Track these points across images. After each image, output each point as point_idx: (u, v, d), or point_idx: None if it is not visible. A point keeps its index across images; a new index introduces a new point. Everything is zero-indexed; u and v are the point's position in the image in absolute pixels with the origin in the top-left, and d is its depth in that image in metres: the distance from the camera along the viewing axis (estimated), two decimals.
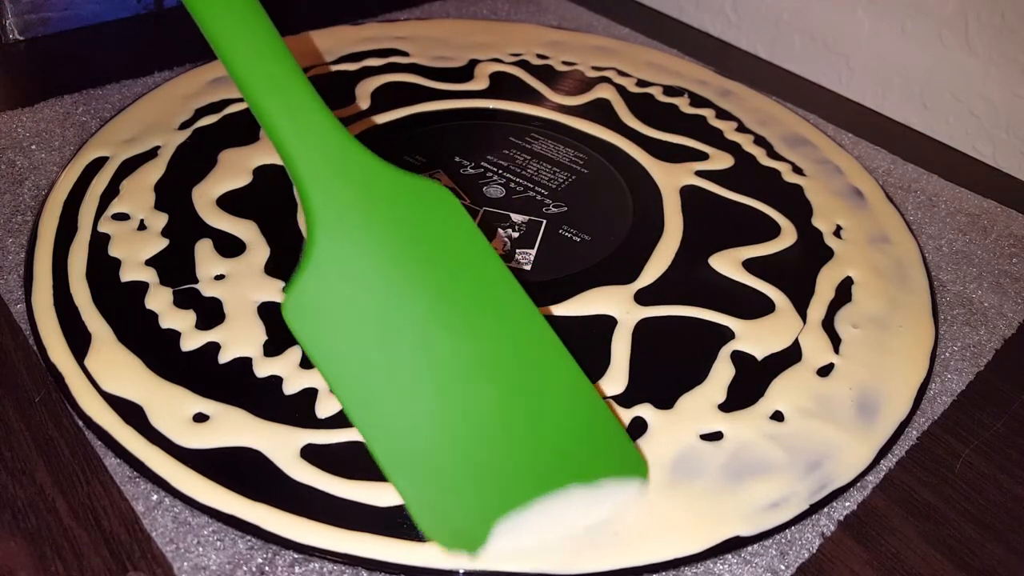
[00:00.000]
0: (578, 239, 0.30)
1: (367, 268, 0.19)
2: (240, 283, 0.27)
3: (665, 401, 0.24)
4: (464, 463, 0.20)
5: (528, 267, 0.29)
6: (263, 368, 0.24)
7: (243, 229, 0.29)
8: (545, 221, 0.31)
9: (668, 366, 0.26)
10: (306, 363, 0.24)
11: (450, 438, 0.20)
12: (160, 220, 0.29)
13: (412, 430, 0.20)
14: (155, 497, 0.21)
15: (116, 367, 0.24)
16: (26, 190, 0.31)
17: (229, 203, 0.30)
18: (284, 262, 0.28)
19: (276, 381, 0.24)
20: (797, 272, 0.30)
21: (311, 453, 0.22)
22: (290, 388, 0.24)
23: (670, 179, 0.34)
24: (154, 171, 0.32)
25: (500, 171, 0.34)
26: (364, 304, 0.19)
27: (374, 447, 0.19)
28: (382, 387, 0.20)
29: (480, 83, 0.39)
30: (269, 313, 0.26)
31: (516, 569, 0.20)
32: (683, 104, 0.39)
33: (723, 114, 0.39)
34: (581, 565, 0.20)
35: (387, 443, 0.19)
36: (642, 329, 0.27)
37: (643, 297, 0.28)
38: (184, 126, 0.34)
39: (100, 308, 0.26)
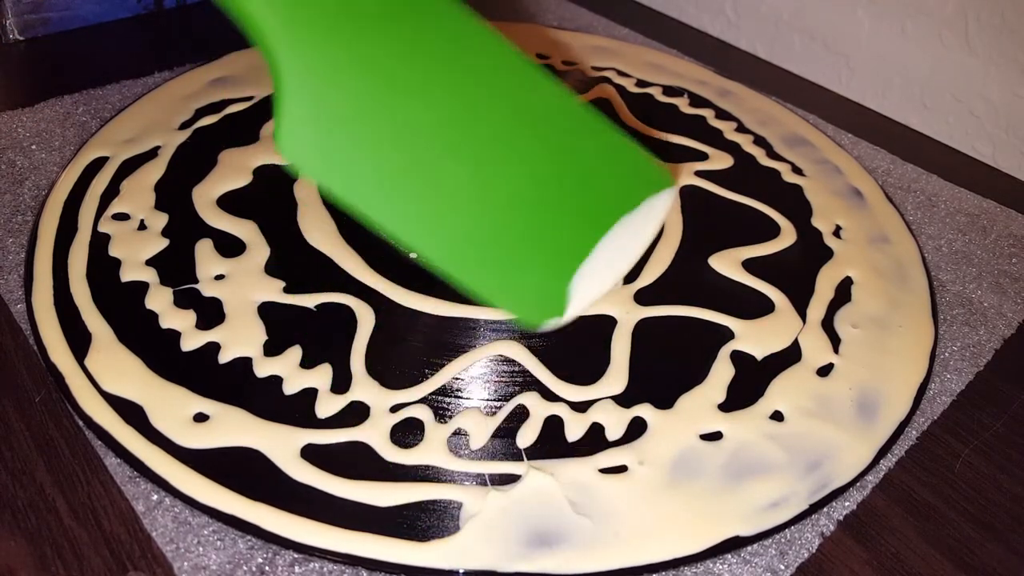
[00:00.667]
0: None
1: (349, 76, 0.18)
2: (240, 283, 0.27)
3: (665, 401, 0.24)
4: (520, 239, 0.20)
5: None
6: (263, 368, 0.24)
7: (243, 229, 0.29)
8: None
9: (668, 366, 0.26)
10: (306, 363, 0.24)
11: (498, 220, 0.19)
12: (160, 220, 0.29)
13: (460, 226, 0.19)
14: (155, 497, 0.21)
15: (116, 367, 0.24)
16: (26, 190, 0.31)
17: (229, 203, 0.30)
18: (284, 262, 0.28)
19: (276, 381, 0.24)
20: (797, 272, 0.30)
21: (311, 453, 0.22)
22: (290, 388, 0.24)
23: None
24: (154, 171, 0.32)
25: None
26: (361, 112, 0.18)
27: (435, 257, 0.19)
28: (414, 194, 0.19)
29: None
30: (269, 313, 0.26)
31: (517, 569, 0.20)
32: (683, 104, 0.39)
33: (723, 114, 0.39)
34: (581, 565, 0.20)
35: (444, 248, 0.19)
36: (642, 329, 0.27)
37: (643, 297, 0.28)
38: (184, 126, 0.34)
39: (100, 308, 0.26)
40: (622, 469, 0.22)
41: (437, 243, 0.19)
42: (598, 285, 0.20)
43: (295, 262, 0.28)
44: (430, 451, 0.22)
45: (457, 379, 0.24)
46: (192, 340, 0.25)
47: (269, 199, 0.31)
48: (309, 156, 0.18)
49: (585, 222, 0.20)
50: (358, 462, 0.22)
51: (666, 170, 0.21)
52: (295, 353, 0.25)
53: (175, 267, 0.27)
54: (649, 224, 0.20)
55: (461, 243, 0.19)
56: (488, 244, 0.19)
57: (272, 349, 0.25)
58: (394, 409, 0.23)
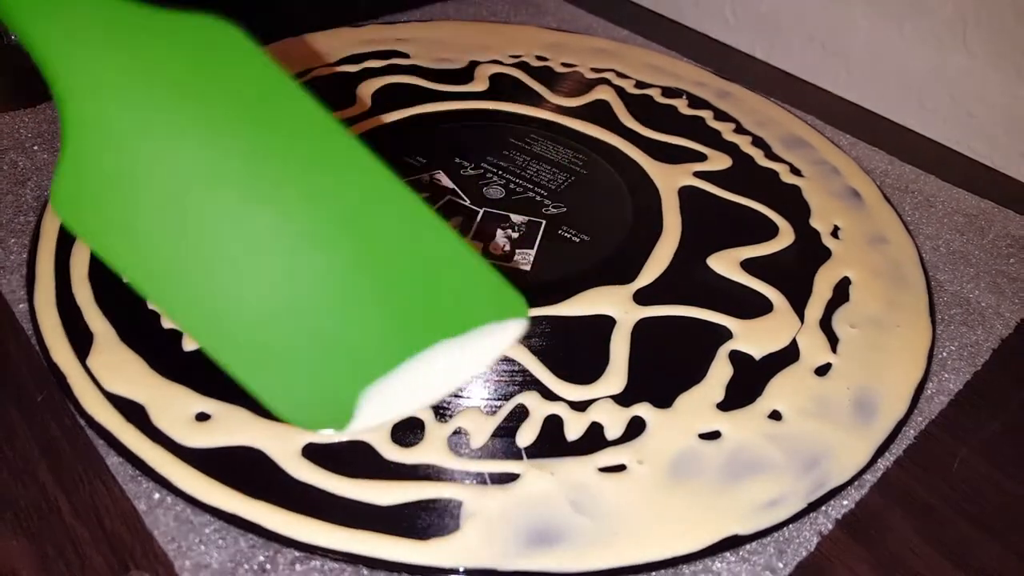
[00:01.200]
0: (577, 239, 0.30)
1: (144, 139, 0.16)
2: None
3: (664, 400, 0.24)
4: (313, 339, 0.17)
5: (528, 267, 0.29)
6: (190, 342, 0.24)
7: None
8: (544, 222, 0.31)
9: (667, 366, 0.26)
10: None
11: (289, 316, 0.17)
12: None
13: (244, 314, 0.17)
14: (157, 496, 0.21)
15: (118, 366, 0.24)
16: (28, 190, 0.31)
17: None
18: None
19: None
20: (795, 272, 0.30)
21: (312, 452, 0.22)
22: None
23: (669, 180, 0.34)
24: None
25: (500, 172, 0.34)
26: (153, 180, 0.16)
27: (205, 343, 0.17)
28: (200, 275, 0.17)
29: (480, 85, 0.39)
30: None
31: (517, 567, 0.20)
32: (682, 105, 0.39)
33: (721, 115, 0.39)
34: (581, 563, 0.20)
35: (219, 336, 0.17)
36: (641, 329, 0.27)
37: (642, 297, 0.28)
38: None
39: (102, 308, 0.26)
40: (621, 468, 0.22)
41: (211, 328, 0.17)
42: (408, 402, 0.17)
43: None
44: (430, 450, 0.22)
45: None
46: (194, 340, 0.25)
47: None
48: (84, 219, 0.16)
49: (393, 338, 0.17)
50: (359, 461, 0.22)
51: (521, 299, 0.18)
52: None
53: None
54: (489, 350, 0.18)
55: (241, 332, 0.17)
56: (269, 342, 0.17)
57: None
58: None
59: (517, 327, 0.18)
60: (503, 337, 0.18)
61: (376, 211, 0.17)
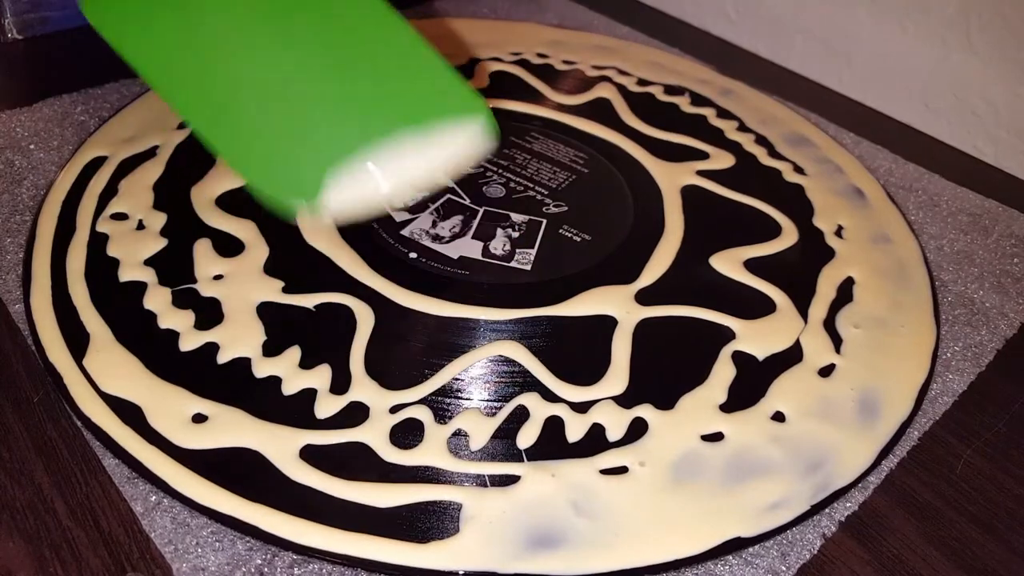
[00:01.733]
0: (578, 239, 0.30)
1: None
2: (239, 283, 0.27)
3: (666, 401, 0.24)
4: (289, 122, 0.20)
5: (528, 267, 0.29)
6: (262, 368, 0.24)
7: (242, 229, 0.29)
8: (545, 221, 0.31)
9: (669, 367, 0.26)
10: (305, 363, 0.24)
11: (270, 99, 0.19)
12: (159, 220, 0.29)
13: (233, 98, 0.19)
14: (154, 498, 0.21)
15: (115, 367, 0.24)
16: (24, 190, 0.31)
17: (228, 203, 0.30)
18: (283, 262, 0.28)
19: (275, 381, 0.24)
20: (798, 272, 0.30)
21: (310, 454, 0.22)
22: (289, 388, 0.24)
23: (671, 178, 0.34)
24: (153, 171, 0.32)
25: (500, 170, 0.34)
26: None
27: (196, 122, 0.19)
28: (196, 62, 0.19)
29: (480, 82, 0.39)
30: (268, 313, 0.26)
31: (517, 570, 0.20)
32: (684, 103, 0.39)
33: (724, 113, 0.39)
34: (582, 566, 0.20)
35: (212, 116, 0.19)
36: (643, 329, 0.26)
37: (644, 297, 0.28)
38: (183, 126, 0.34)
39: (99, 308, 0.26)
40: (623, 470, 0.22)
41: (204, 109, 0.19)
42: (372, 185, 0.19)
43: (294, 262, 0.28)
44: (430, 452, 0.22)
45: (457, 380, 0.24)
46: (191, 340, 0.25)
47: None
48: (108, 17, 0.19)
49: (361, 123, 0.20)
50: (357, 463, 0.22)
51: (480, 100, 0.20)
52: (294, 353, 0.25)
53: (174, 267, 0.27)
54: (453, 153, 0.20)
55: (228, 114, 0.19)
56: (254, 121, 0.19)
57: (271, 349, 0.25)
58: (394, 410, 0.23)
59: (478, 130, 0.19)
60: (460, 133, 0.20)
61: (348, 14, 0.20)
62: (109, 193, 0.30)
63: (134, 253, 0.28)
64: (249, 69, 0.19)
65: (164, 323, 0.25)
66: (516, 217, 0.31)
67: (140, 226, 0.29)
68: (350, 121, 0.20)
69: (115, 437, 0.22)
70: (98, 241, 0.28)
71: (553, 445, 0.23)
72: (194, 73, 0.19)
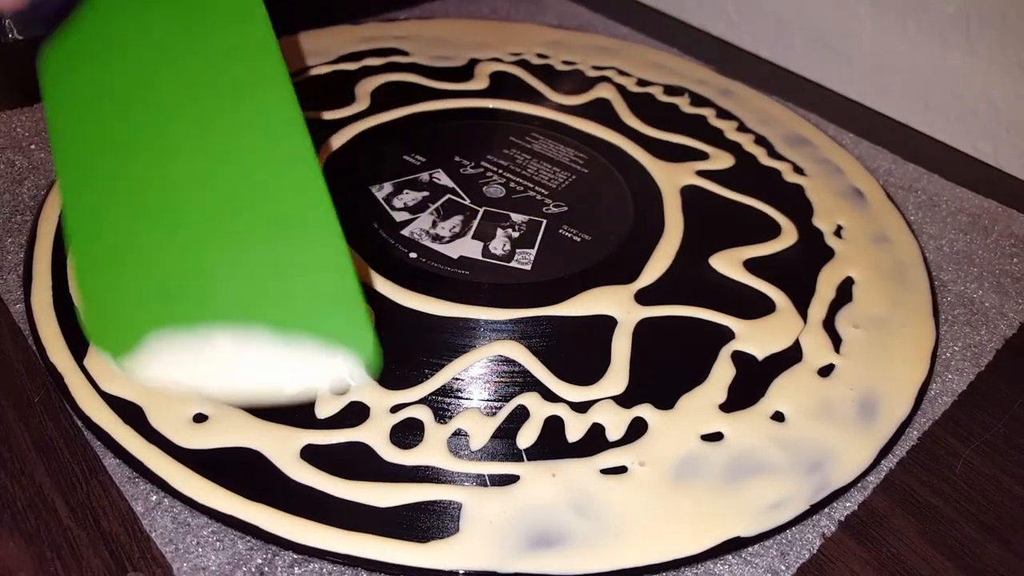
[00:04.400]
0: (578, 239, 0.30)
1: (132, 34, 0.17)
2: None
3: (666, 401, 0.24)
4: (151, 260, 0.17)
5: (528, 267, 0.29)
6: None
7: None
8: (545, 221, 0.31)
9: (669, 366, 0.26)
10: None
11: (148, 228, 0.17)
12: None
13: (114, 209, 0.17)
14: (154, 497, 0.21)
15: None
16: (25, 190, 0.31)
17: None
18: None
19: None
20: (798, 272, 0.30)
21: (310, 453, 0.22)
22: None
23: (671, 179, 0.34)
24: None
25: (500, 171, 0.34)
26: (116, 70, 0.17)
27: (69, 217, 0.17)
28: (102, 157, 0.17)
29: (480, 83, 0.39)
30: None
31: (517, 569, 0.20)
32: (683, 103, 0.39)
33: (724, 113, 0.39)
34: (581, 566, 0.20)
35: (85, 219, 0.17)
36: (642, 329, 0.26)
37: (643, 297, 0.28)
38: None
39: None
40: (623, 470, 0.22)
41: (82, 213, 0.17)
42: (201, 380, 0.16)
43: None
44: (430, 452, 0.22)
45: (457, 379, 0.24)
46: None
47: None
48: (56, 76, 0.18)
49: (217, 300, 0.16)
50: (358, 463, 0.22)
51: (373, 343, 0.16)
52: None
53: None
54: (315, 376, 0.16)
55: (102, 229, 0.17)
56: (120, 248, 0.17)
57: None
58: (394, 410, 0.23)
59: (351, 365, 0.16)
60: (329, 368, 0.16)
61: (282, 194, 0.17)
62: None
63: None
64: (145, 178, 0.17)
65: None
66: (516, 217, 0.31)
67: None
68: (204, 285, 0.16)
69: (116, 437, 0.22)
70: None
71: (553, 445, 0.23)
72: (97, 159, 0.17)
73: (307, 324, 0.16)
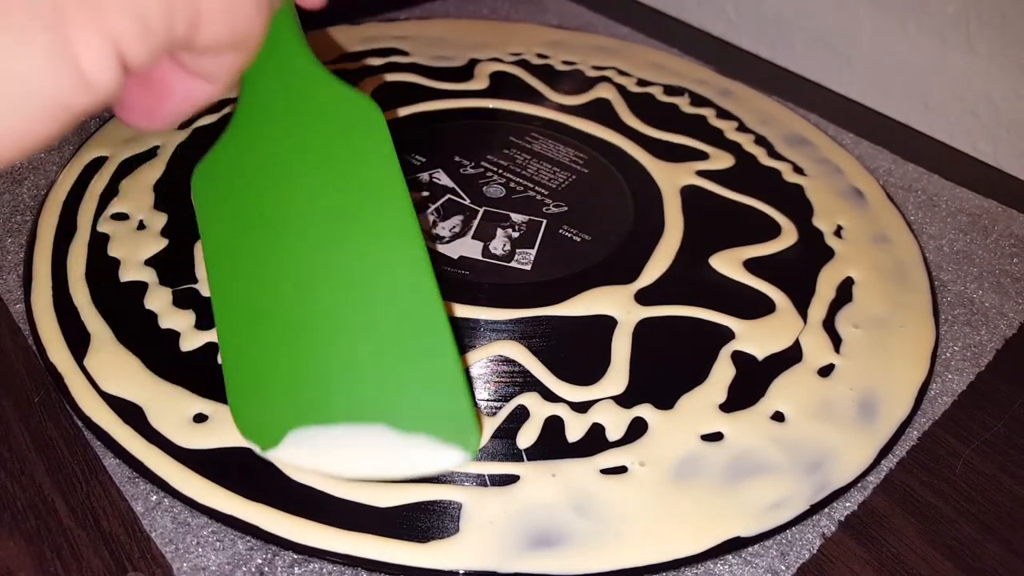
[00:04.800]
0: (578, 239, 0.30)
1: (274, 158, 0.19)
2: None
3: (665, 401, 0.24)
4: (290, 364, 0.20)
5: (528, 267, 0.29)
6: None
7: None
8: (545, 221, 0.31)
9: (668, 366, 0.26)
10: None
11: (287, 336, 0.20)
12: (159, 220, 0.29)
13: (258, 316, 0.20)
14: (154, 497, 0.21)
15: (115, 367, 0.24)
16: (25, 190, 0.31)
17: None
18: None
19: None
20: (798, 272, 0.30)
21: None
22: None
23: (671, 179, 0.34)
24: (153, 171, 0.32)
25: (500, 171, 0.34)
26: (260, 190, 0.20)
27: (219, 322, 0.20)
28: (247, 271, 0.20)
29: (480, 83, 0.39)
30: None
31: (517, 569, 0.20)
32: (683, 104, 0.39)
33: (724, 114, 0.39)
34: (581, 566, 0.20)
35: (232, 323, 0.20)
36: (642, 329, 0.26)
37: (643, 297, 0.28)
38: (183, 125, 0.34)
39: (99, 308, 0.26)
40: (623, 470, 0.22)
41: (230, 316, 0.20)
42: (330, 463, 0.20)
43: None
44: None
45: None
46: (191, 340, 0.25)
47: None
48: (206, 192, 0.20)
49: (350, 400, 0.20)
50: None
51: (477, 436, 0.20)
52: None
53: (174, 267, 0.27)
54: (423, 462, 0.20)
55: (247, 330, 0.20)
56: (262, 348, 0.20)
57: None
58: None
59: (457, 456, 0.19)
60: (440, 457, 0.20)
61: (407, 307, 0.20)
62: (110, 193, 0.30)
63: (135, 253, 0.28)
64: (286, 292, 0.20)
65: (165, 323, 0.25)
66: (516, 217, 0.31)
67: (141, 226, 0.29)
68: (347, 395, 0.20)
69: (116, 437, 0.22)
70: (99, 241, 0.28)
71: (553, 445, 0.23)
72: (242, 270, 0.20)
73: (424, 425, 0.20)
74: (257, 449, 0.19)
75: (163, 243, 0.28)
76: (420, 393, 0.20)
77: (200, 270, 0.27)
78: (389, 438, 0.19)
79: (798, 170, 0.35)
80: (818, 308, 0.28)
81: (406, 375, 0.20)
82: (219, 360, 0.20)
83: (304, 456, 0.19)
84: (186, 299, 0.26)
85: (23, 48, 0.11)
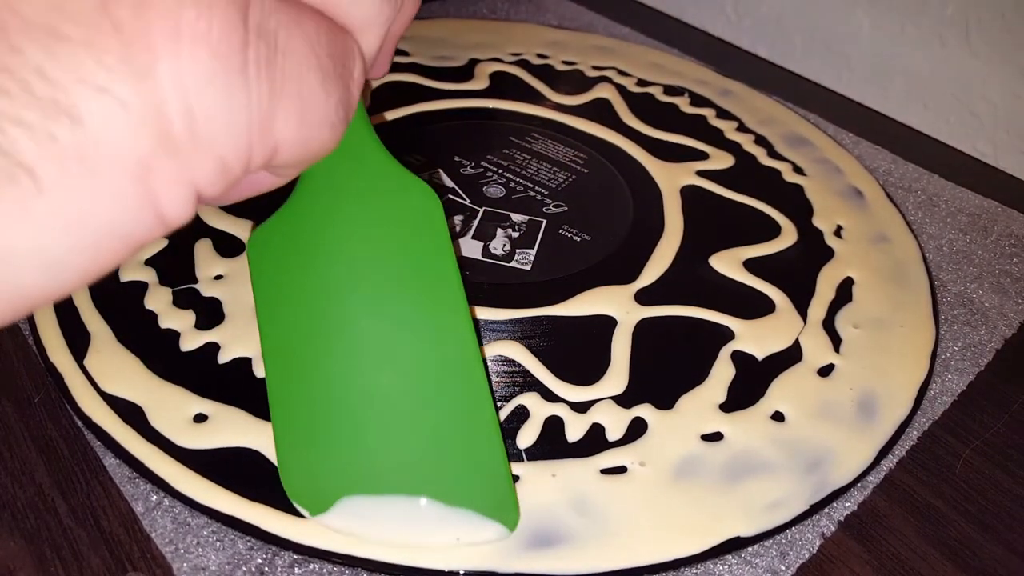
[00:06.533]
0: (578, 239, 0.30)
1: (332, 234, 0.20)
2: (239, 283, 0.27)
3: (665, 402, 0.24)
4: (340, 435, 0.20)
5: (528, 267, 0.29)
6: (262, 368, 0.24)
7: (242, 229, 0.29)
8: (545, 221, 0.31)
9: (668, 366, 0.26)
10: None
11: (338, 408, 0.20)
12: None
13: (309, 387, 0.20)
14: (155, 498, 0.21)
15: (115, 367, 0.24)
16: None
17: None
18: None
19: None
20: (797, 272, 0.30)
21: None
22: None
23: (670, 179, 0.34)
24: None
25: (500, 171, 0.34)
26: (316, 263, 0.20)
27: (271, 386, 0.20)
28: (299, 342, 0.20)
29: (480, 83, 0.39)
30: None
31: (517, 569, 0.20)
32: (683, 104, 0.39)
33: (723, 113, 0.39)
34: (581, 565, 0.20)
35: (283, 391, 0.20)
36: (642, 329, 0.27)
37: (643, 297, 0.28)
38: None
39: (99, 308, 0.26)
40: (622, 470, 0.22)
41: (282, 382, 0.21)
42: (373, 529, 0.20)
43: None
44: None
45: None
46: (191, 340, 0.25)
47: (269, 199, 0.31)
48: (262, 259, 0.20)
49: (397, 472, 0.20)
50: None
51: (516, 514, 0.21)
52: None
53: (174, 267, 0.27)
54: (463, 532, 0.20)
55: (297, 396, 0.21)
56: (313, 416, 0.21)
57: None
58: None
59: (497, 531, 0.20)
60: (481, 530, 0.20)
61: (454, 386, 0.21)
62: None
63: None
64: (336, 363, 0.20)
65: (165, 323, 0.25)
66: (516, 217, 0.31)
67: None
68: (394, 467, 0.20)
69: (116, 437, 0.22)
70: None
71: (553, 445, 0.23)
72: (294, 339, 0.20)
73: (468, 500, 0.20)
74: (307, 514, 0.20)
75: (163, 243, 0.28)
76: (464, 471, 0.21)
77: (201, 270, 0.27)
78: (434, 511, 0.20)
79: (798, 170, 0.35)
80: (818, 308, 0.28)
81: (452, 454, 0.21)
82: (274, 425, 0.21)
83: (352, 523, 0.20)
84: (186, 299, 0.26)
85: (110, 200, 0.11)
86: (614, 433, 0.23)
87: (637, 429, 0.23)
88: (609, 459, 0.23)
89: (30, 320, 0.25)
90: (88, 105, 0.11)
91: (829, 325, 0.28)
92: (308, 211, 0.20)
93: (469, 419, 0.20)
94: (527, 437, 0.23)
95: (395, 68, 0.40)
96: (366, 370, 0.20)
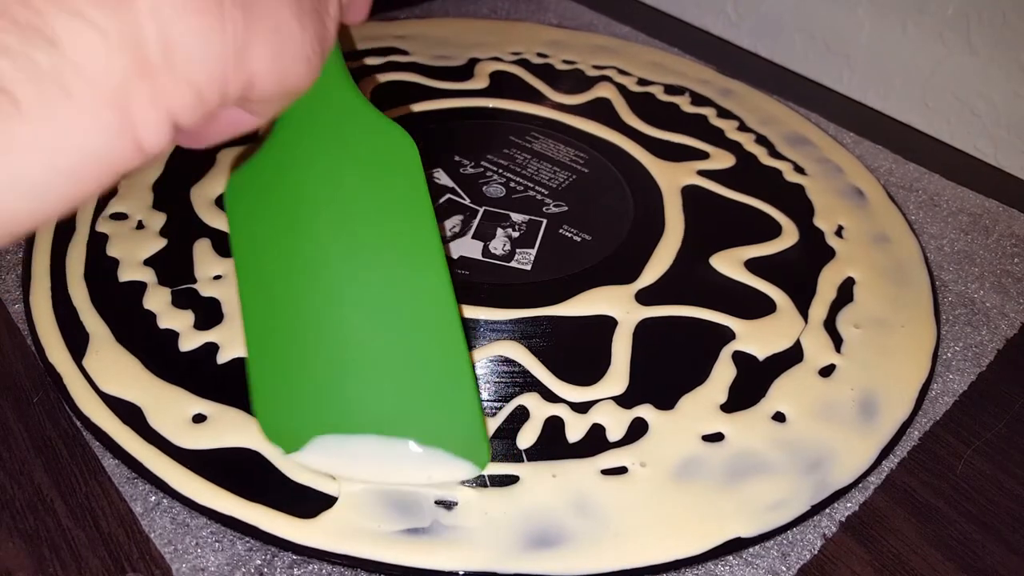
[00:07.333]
0: (578, 239, 0.30)
1: (309, 177, 0.20)
2: None
3: (666, 402, 0.24)
4: (315, 375, 0.21)
5: (528, 267, 0.29)
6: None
7: None
8: (545, 220, 0.31)
9: (669, 366, 0.25)
10: None
11: (313, 349, 0.21)
12: (158, 220, 0.29)
13: (285, 328, 0.21)
14: (153, 498, 0.21)
15: (114, 367, 0.24)
16: None
17: None
18: None
19: None
20: (799, 272, 0.30)
21: None
22: None
23: (671, 178, 0.34)
24: (152, 170, 0.32)
25: (500, 170, 0.34)
26: (293, 206, 0.20)
27: (248, 328, 0.21)
28: (277, 282, 0.21)
29: (480, 82, 0.39)
30: None
31: (517, 570, 0.20)
32: (684, 103, 0.39)
33: (724, 113, 0.39)
34: (582, 566, 0.20)
35: (260, 333, 0.21)
36: (643, 329, 0.26)
37: (644, 297, 0.28)
38: None
39: (98, 308, 0.26)
40: (623, 470, 0.22)
41: (258, 324, 0.21)
42: (342, 464, 0.21)
43: None
44: None
45: None
46: (190, 340, 0.25)
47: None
48: (238, 205, 0.20)
49: (371, 412, 0.21)
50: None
51: (487, 454, 0.21)
52: None
53: (173, 267, 0.27)
54: (435, 472, 0.21)
55: (275, 339, 0.21)
56: (289, 357, 0.21)
57: None
58: None
59: (468, 469, 0.21)
60: (452, 469, 0.21)
61: (427, 328, 0.21)
62: (108, 193, 0.30)
63: (134, 253, 0.28)
64: (312, 304, 0.21)
65: (164, 323, 0.25)
66: (516, 217, 0.31)
67: (140, 226, 0.29)
68: (368, 407, 0.21)
69: (115, 437, 0.22)
70: (98, 241, 0.28)
71: (553, 445, 0.23)
72: (271, 281, 0.21)
73: (440, 439, 0.21)
74: (280, 451, 0.21)
75: (162, 243, 0.28)
76: (437, 411, 0.21)
77: (200, 270, 0.27)
78: (406, 450, 0.21)
79: (799, 170, 0.35)
80: (819, 308, 0.28)
81: (425, 394, 0.21)
82: (245, 367, 0.21)
83: (326, 461, 0.21)
84: (185, 299, 0.26)
85: (88, 124, 0.12)
86: (614, 433, 0.23)
87: (638, 429, 0.23)
88: (609, 460, 0.22)
89: (29, 320, 0.25)
90: (68, 31, 0.11)
91: (830, 325, 0.27)
92: (285, 155, 0.20)
93: (442, 360, 0.21)
94: (527, 437, 0.23)
95: (395, 68, 0.40)
96: (341, 310, 0.21)
